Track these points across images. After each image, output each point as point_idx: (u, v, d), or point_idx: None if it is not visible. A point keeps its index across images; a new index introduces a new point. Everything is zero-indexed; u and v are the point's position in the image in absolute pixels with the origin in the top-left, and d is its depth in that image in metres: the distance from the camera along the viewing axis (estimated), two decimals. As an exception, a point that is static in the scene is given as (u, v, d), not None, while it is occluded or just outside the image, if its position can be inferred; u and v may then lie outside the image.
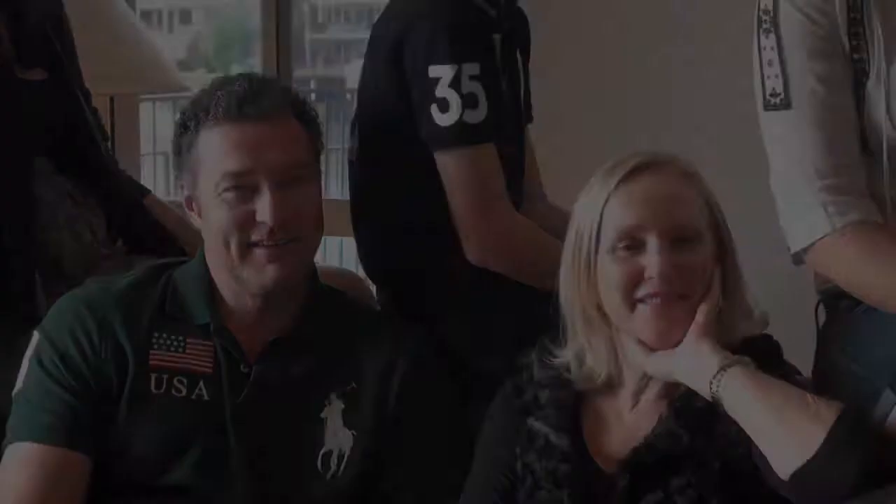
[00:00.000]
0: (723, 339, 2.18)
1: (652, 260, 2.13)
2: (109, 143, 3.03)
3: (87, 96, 2.86)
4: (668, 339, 2.15)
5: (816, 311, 2.46)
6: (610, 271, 2.15)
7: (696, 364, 2.09)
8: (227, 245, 2.33)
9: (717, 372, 2.07)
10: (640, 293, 2.14)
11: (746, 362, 2.08)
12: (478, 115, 2.46)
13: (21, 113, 2.63)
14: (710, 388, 2.07)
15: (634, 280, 2.13)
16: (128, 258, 2.74)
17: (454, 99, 2.45)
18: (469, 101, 2.45)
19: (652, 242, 2.13)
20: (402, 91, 2.51)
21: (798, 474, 1.98)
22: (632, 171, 2.17)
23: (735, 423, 2.12)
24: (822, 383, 2.33)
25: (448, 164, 2.49)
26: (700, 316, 2.12)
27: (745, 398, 2.05)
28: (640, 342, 2.15)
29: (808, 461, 1.98)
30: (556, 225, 2.53)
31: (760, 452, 2.08)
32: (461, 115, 2.45)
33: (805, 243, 2.28)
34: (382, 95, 2.55)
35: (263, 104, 2.35)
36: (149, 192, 2.92)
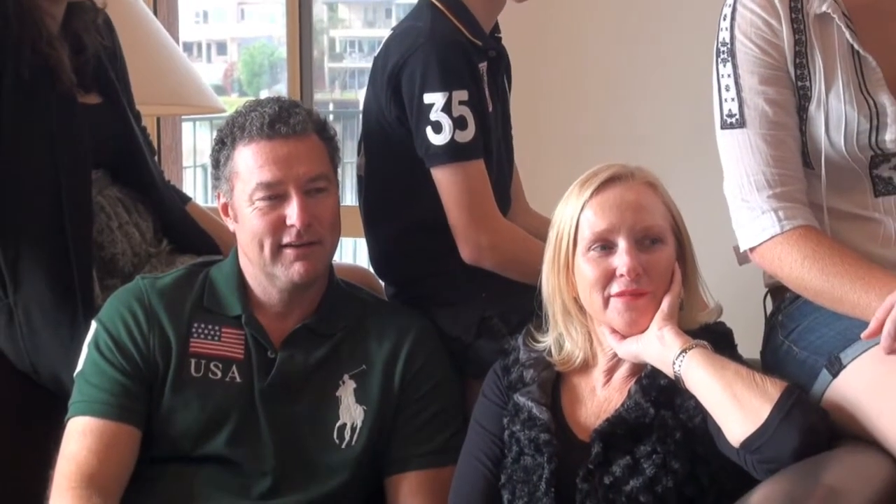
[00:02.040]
0: (684, 325, 2.19)
1: (621, 259, 2.14)
2: (157, 157, 3.01)
3: (137, 117, 2.83)
4: (636, 327, 2.16)
5: (765, 302, 2.46)
6: (586, 270, 2.16)
7: (661, 348, 2.10)
8: (261, 246, 2.34)
9: (679, 354, 2.08)
10: (613, 290, 2.15)
11: (704, 346, 2.09)
12: (467, 136, 2.44)
13: (81, 132, 2.62)
14: (673, 368, 2.08)
15: (608, 277, 2.15)
16: (171, 257, 2.73)
17: (446, 122, 2.43)
18: (459, 124, 2.44)
19: (621, 244, 2.14)
20: (400, 115, 2.50)
21: (747, 442, 1.99)
22: (603, 183, 2.18)
23: (693, 397, 2.12)
24: (769, 364, 2.34)
25: (443, 178, 2.47)
26: (664, 306, 2.13)
27: (702, 376, 2.05)
28: (613, 330, 2.16)
29: (756, 431, 1.98)
30: (537, 228, 2.54)
31: (715, 423, 2.07)
32: (453, 136, 2.44)
33: (755, 242, 2.27)
34: (384, 119, 2.54)
35: (291, 124, 2.36)
36: (190, 199, 2.91)
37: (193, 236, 2.78)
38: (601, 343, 2.22)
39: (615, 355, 2.21)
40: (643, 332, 2.16)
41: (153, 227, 2.76)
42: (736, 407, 2.02)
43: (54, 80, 2.58)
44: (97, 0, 2.73)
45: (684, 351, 2.08)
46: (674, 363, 2.09)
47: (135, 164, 2.76)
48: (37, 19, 2.57)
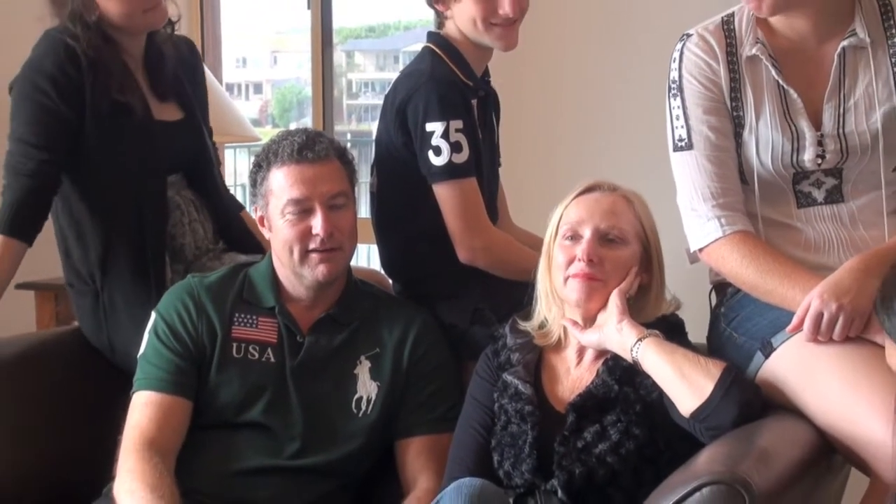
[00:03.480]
0: (646, 317, 2.20)
1: (581, 247, 2.16)
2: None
3: (210, 132, 2.83)
4: (585, 305, 2.18)
5: (710, 296, 2.45)
6: (556, 255, 2.19)
7: (620, 338, 2.11)
8: (290, 251, 2.34)
9: (636, 342, 2.09)
10: (571, 271, 2.16)
11: (656, 334, 2.10)
12: (462, 157, 2.44)
13: (156, 145, 2.62)
14: (631, 354, 2.09)
15: (570, 261, 2.17)
16: (222, 255, 2.72)
17: (444, 146, 2.43)
18: (455, 148, 2.43)
19: (585, 234, 2.16)
20: (406, 141, 2.49)
21: (696, 413, 2.00)
22: (586, 189, 2.22)
23: (650, 376, 2.12)
24: (713, 348, 2.34)
25: (442, 192, 2.47)
26: (617, 301, 2.13)
27: (655, 360, 2.06)
28: (575, 323, 2.17)
29: (703, 404, 1.99)
30: (518, 238, 2.56)
31: (669, 398, 2.08)
32: (450, 158, 2.43)
33: (703, 244, 2.27)
34: (392, 145, 2.53)
35: (316, 150, 2.36)
36: (244, 207, 2.89)
37: (244, 237, 2.77)
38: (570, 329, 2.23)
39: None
40: (591, 312, 2.18)
41: (213, 227, 2.75)
42: (685, 384, 2.02)
43: (130, 98, 2.57)
44: (171, 14, 2.70)
45: (640, 340, 2.09)
46: (631, 350, 2.09)
47: (204, 172, 2.76)
48: (109, 64, 2.56)
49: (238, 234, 2.78)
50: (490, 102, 2.64)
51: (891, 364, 1.34)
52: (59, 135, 2.53)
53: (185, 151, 2.72)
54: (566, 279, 2.17)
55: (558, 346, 2.25)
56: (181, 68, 2.75)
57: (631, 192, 2.25)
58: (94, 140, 2.55)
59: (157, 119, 2.65)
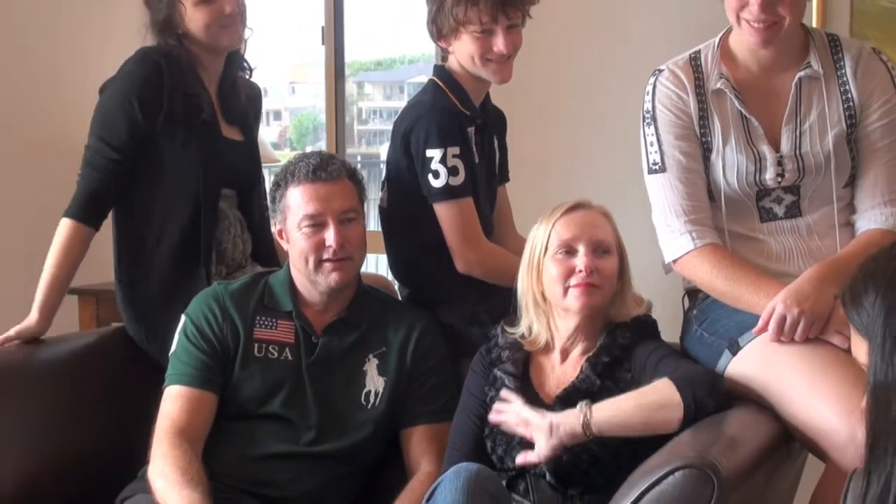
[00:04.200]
0: (619, 317, 2.20)
1: (581, 260, 2.14)
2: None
3: (259, 156, 2.86)
4: (588, 309, 2.16)
5: (683, 300, 2.46)
6: (552, 269, 2.17)
7: (565, 427, 2.00)
8: (306, 261, 2.35)
9: (582, 419, 1.99)
10: (572, 282, 2.15)
11: (585, 402, 2.01)
12: (458, 180, 2.44)
13: (218, 155, 2.66)
14: (585, 433, 1.99)
15: (568, 273, 2.15)
16: (250, 268, 2.73)
17: (442, 170, 2.43)
18: (452, 171, 2.43)
19: (581, 249, 2.15)
20: (410, 165, 2.50)
21: (684, 420, 1.97)
22: (570, 208, 2.20)
23: (629, 371, 2.13)
24: (686, 347, 2.35)
25: (441, 211, 2.47)
26: (521, 417, 2.05)
27: (611, 414, 1.99)
28: (525, 456, 2.05)
29: (684, 409, 1.97)
30: (520, 247, 2.53)
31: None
32: (447, 181, 2.43)
33: (676, 256, 2.28)
34: (400, 167, 2.53)
35: (329, 171, 2.36)
36: None
37: (270, 258, 2.77)
38: (557, 330, 2.22)
39: (567, 342, 2.21)
40: (591, 311, 2.16)
41: (251, 248, 2.77)
42: (655, 411, 1.99)
43: (199, 115, 2.62)
44: (251, 62, 2.81)
45: (582, 414, 1.99)
46: (584, 429, 1.99)
47: (252, 195, 2.78)
48: (186, 73, 2.61)
49: (266, 254, 2.78)
50: (489, 128, 2.63)
51: (856, 355, 1.36)
52: (133, 140, 2.57)
53: (242, 170, 2.75)
54: (566, 289, 2.16)
55: (546, 347, 2.24)
56: (248, 104, 2.81)
57: (603, 207, 2.25)
58: (166, 142, 2.59)
59: (223, 135, 2.69)
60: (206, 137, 2.64)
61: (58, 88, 3.55)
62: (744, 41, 2.26)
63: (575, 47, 3.33)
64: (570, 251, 2.17)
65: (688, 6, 3.06)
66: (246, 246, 2.75)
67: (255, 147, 2.83)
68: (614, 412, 1.99)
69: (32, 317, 2.57)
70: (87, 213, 2.58)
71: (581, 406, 1.99)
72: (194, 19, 2.61)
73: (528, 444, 2.09)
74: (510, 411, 2.07)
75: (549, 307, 2.21)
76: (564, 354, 2.23)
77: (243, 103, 2.78)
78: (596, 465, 2.06)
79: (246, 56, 2.80)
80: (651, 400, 1.99)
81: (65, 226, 2.57)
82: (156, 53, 2.61)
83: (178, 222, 2.61)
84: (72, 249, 2.58)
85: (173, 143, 2.60)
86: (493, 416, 2.10)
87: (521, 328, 2.26)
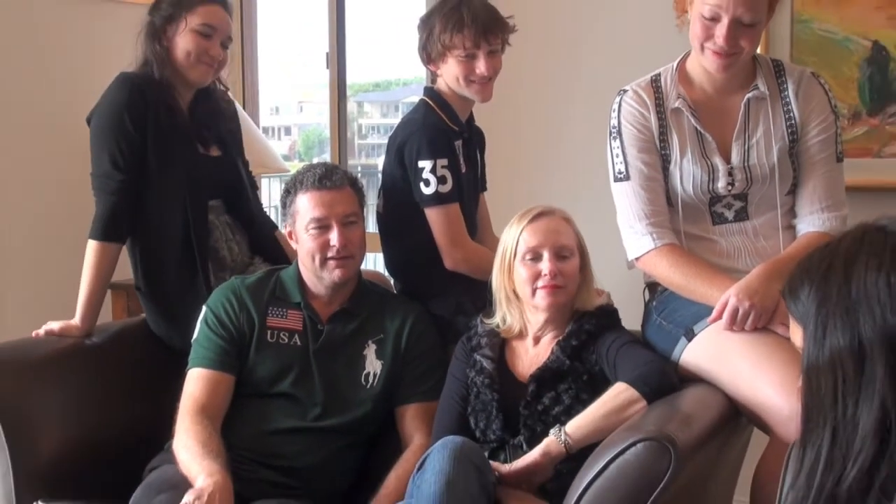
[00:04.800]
0: (583, 307, 2.20)
1: (546, 265, 2.14)
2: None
3: (246, 165, 2.81)
4: (554, 307, 2.16)
5: (644, 293, 2.46)
6: (521, 272, 2.17)
7: (546, 447, 2.00)
8: (312, 259, 2.34)
9: (560, 436, 2.00)
10: (539, 284, 2.15)
11: (555, 430, 2.01)
12: (447, 188, 2.43)
13: (201, 174, 2.61)
14: (565, 449, 1.99)
15: (535, 276, 2.15)
16: (261, 266, 2.68)
17: (433, 179, 2.42)
18: (441, 181, 2.42)
19: (545, 255, 2.15)
20: (403, 175, 2.49)
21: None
22: (535, 216, 2.20)
23: (595, 352, 2.13)
24: (646, 334, 2.34)
25: (431, 215, 2.46)
26: (520, 466, 2.01)
27: (583, 429, 1.99)
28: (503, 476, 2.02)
29: (645, 401, 1.99)
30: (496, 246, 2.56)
31: (612, 370, 2.08)
32: (437, 189, 2.43)
33: (638, 254, 2.28)
34: (394, 177, 2.53)
35: (333, 179, 2.35)
36: (277, 227, 2.87)
37: (276, 253, 2.74)
38: (529, 322, 2.22)
39: (539, 331, 2.21)
40: (557, 308, 2.16)
41: (247, 246, 2.73)
42: (618, 412, 1.99)
43: (181, 135, 2.57)
44: (224, 79, 2.74)
45: (557, 438, 1.99)
46: (564, 443, 1.99)
47: (239, 201, 2.73)
48: (164, 91, 2.56)
49: (271, 250, 2.75)
50: (473, 142, 2.63)
51: (794, 341, 1.37)
52: (133, 157, 2.52)
53: (223, 181, 2.70)
54: (534, 290, 2.15)
55: (520, 334, 2.24)
56: (220, 117, 2.73)
57: (564, 211, 2.24)
58: (154, 164, 2.54)
59: (201, 152, 2.64)
60: (186, 156, 2.59)
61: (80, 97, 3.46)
62: (703, 66, 2.26)
63: (548, 71, 3.34)
64: (536, 256, 2.16)
65: (640, 38, 3.08)
66: (241, 247, 2.70)
67: (233, 157, 2.75)
68: (588, 427, 1.99)
69: (76, 321, 2.56)
70: (109, 232, 2.53)
71: (555, 432, 1.99)
72: (183, 41, 2.54)
73: (506, 419, 2.11)
74: (512, 469, 2.02)
75: (521, 302, 2.21)
76: (537, 340, 2.22)
77: (216, 121, 2.71)
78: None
79: (224, 80, 2.76)
80: (616, 404, 2.00)
81: (92, 247, 2.53)
82: (135, 77, 2.55)
83: (175, 234, 2.56)
84: (102, 266, 2.54)
85: (160, 160, 2.54)
86: (504, 471, 2.03)
87: (497, 319, 2.25)
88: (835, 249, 1.32)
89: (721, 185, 2.27)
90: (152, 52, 2.56)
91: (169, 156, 2.56)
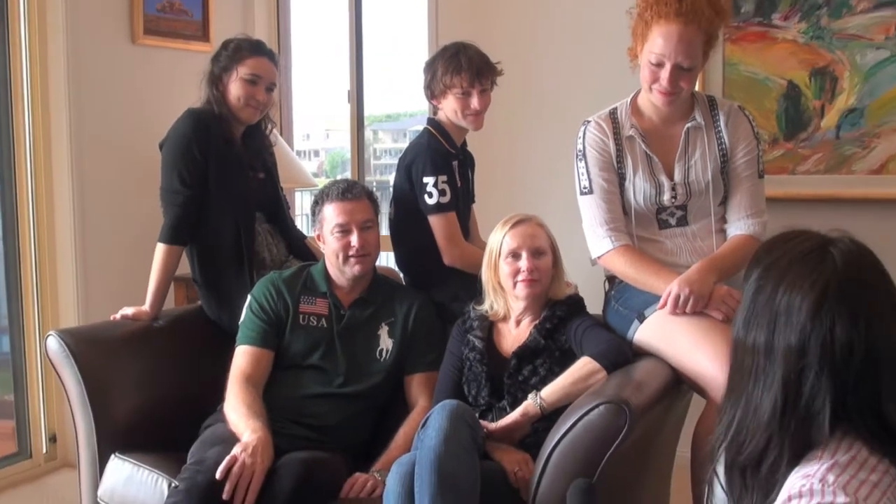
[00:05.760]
0: (555, 297, 2.19)
1: (524, 263, 2.14)
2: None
3: (281, 188, 2.81)
4: (531, 298, 2.15)
5: (604, 284, 2.44)
6: (504, 268, 2.16)
7: (524, 409, 2.00)
8: (337, 257, 2.34)
9: (535, 400, 1.99)
10: (519, 278, 2.14)
11: (533, 394, 2.00)
12: (446, 199, 2.43)
13: (250, 193, 2.61)
14: (540, 410, 1.98)
15: (515, 272, 2.15)
16: (292, 261, 2.68)
17: (435, 192, 2.42)
18: (442, 193, 2.42)
19: (524, 255, 2.15)
20: (410, 188, 2.48)
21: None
22: (515, 223, 2.19)
23: (565, 332, 2.11)
24: (606, 317, 2.33)
25: (433, 221, 2.46)
26: (503, 424, 2.00)
27: (555, 394, 1.99)
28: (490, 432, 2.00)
29: (604, 373, 1.99)
30: (483, 247, 2.54)
31: (580, 348, 2.07)
32: (438, 199, 2.43)
33: (600, 253, 2.27)
34: (403, 190, 2.52)
35: (353, 192, 2.35)
36: (306, 237, 2.84)
37: (306, 255, 2.74)
38: (511, 308, 2.21)
39: (519, 315, 2.19)
40: (533, 297, 2.14)
41: (285, 249, 2.72)
42: (587, 384, 1.97)
43: (235, 161, 2.57)
44: (272, 116, 2.74)
45: (538, 403, 1.98)
46: (538, 405, 1.98)
47: (278, 213, 2.74)
48: (223, 125, 2.57)
49: (303, 253, 2.75)
50: (467, 163, 2.63)
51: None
52: (196, 178, 2.53)
53: (266, 199, 2.70)
54: (515, 283, 2.15)
55: (504, 318, 2.24)
56: (265, 149, 2.74)
57: (539, 218, 2.23)
58: (213, 184, 2.54)
59: (250, 176, 2.64)
60: (239, 178, 2.59)
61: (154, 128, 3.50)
62: (651, 101, 2.26)
63: (526, 106, 3.33)
64: (516, 256, 2.16)
65: (599, 79, 3.07)
66: (279, 248, 2.69)
67: (275, 180, 2.76)
68: (559, 393, 1.98)
69: (146, 308, 2.56)
70: (174, 237, 2.53)
71: (532, 397, 1.99)
72: (234, 87, 2.56)
73: (493, 388, 2.10)
74: (498, 426, 2.01)
75: (505, 292, 2.21)
76: (518, 323, 2.22)
77: (264, 154, 2.73)
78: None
79: (272, 117, 2.76)
80: (581, 374, 1.99)
81: (160, 249, 2.54)
82: (200, 112, 2.56)
83: (227, 238, 2.56)
84: (167, 264, 2.54)
85: (218, 181, 2.54)
86: (491, 428, 2.01)
87: (486, 306, 2.25)
88: (793, 247, 1.23)
89: (666, 197, 2.27)
90: (211, 94, 2.58)
91: (226, 178, 2.56)
